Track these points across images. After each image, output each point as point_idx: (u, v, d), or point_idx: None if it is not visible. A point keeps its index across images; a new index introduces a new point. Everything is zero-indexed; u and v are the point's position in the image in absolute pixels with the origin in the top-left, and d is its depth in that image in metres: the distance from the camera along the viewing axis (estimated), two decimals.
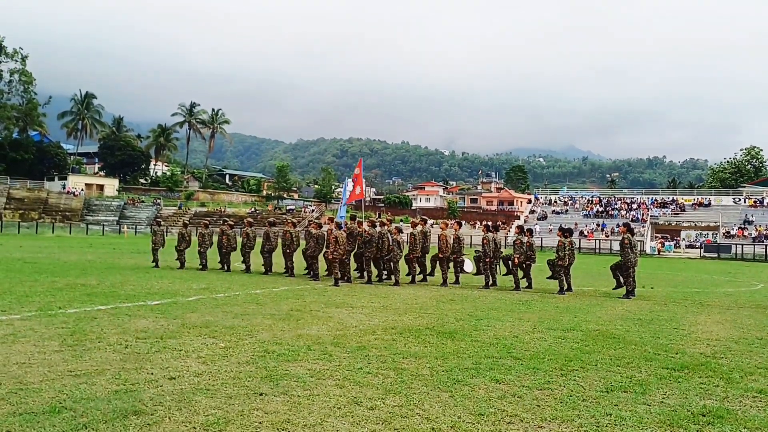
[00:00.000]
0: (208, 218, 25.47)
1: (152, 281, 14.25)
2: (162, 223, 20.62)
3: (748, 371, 6.54)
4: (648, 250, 51.72)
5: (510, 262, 15.37)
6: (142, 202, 72.57)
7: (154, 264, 18.70)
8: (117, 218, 65.59)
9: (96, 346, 6.78)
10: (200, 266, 18.08)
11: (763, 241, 49.59)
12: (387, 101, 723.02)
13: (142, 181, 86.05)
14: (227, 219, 20.76)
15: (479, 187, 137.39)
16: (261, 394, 5.09)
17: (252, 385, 5.37)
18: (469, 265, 16.67)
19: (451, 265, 16.24)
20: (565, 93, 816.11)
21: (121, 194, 74.39)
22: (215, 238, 18.86)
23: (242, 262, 17.95)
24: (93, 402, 4.75)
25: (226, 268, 17.95)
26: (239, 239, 18.56)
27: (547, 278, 15.27)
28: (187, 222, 20.29)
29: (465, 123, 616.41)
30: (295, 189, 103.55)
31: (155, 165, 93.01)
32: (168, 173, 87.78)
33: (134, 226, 60.06)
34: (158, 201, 73.35)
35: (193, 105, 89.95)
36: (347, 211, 25.21)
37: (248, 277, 16.18)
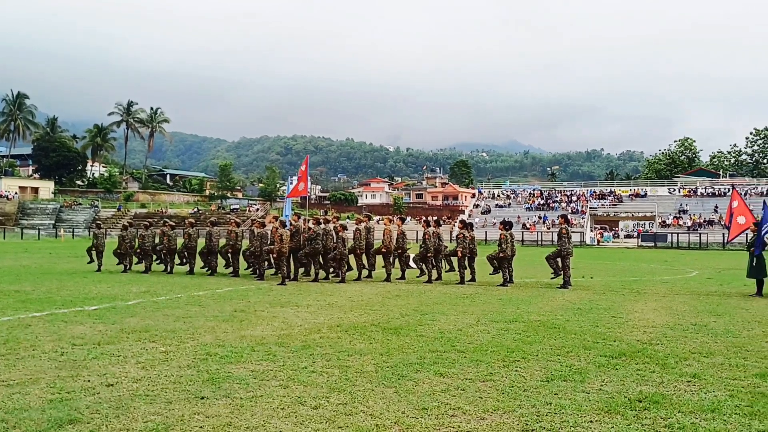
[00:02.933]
0: (149, 219, 24.79)
1: (90, 286, 13.80)
2: (102, 225, 20.06)
3: (682, 356, 6.79)
4: (588, 241, 53.22)
5: (454, 258, 15.55)
6: (80, 204, 70.15)
7: (96, 267, 18.21)
8: (53, 222, 63.14)
9: (30, 354, 6.53)
10: (143, 269, 17.65)
11: (697, 230, 51.70)
12: (331, 97, 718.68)
13: (78, 182, 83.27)
14: (168, 220, 20.26)
15: (424, 182, 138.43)
16: (202, 398, 5.00)
17: (193, 389, 5.27)
18: (415, 261, 16.78)
19: (396, 260, 16.32)
20: (507, 88, 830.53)
21: (57, 197, 71.78)
22: (156, 240, 18.43)
23: (185, 263, 17.60)
24: (26, 412, 4.57)
25: (168, 269, 17.56)
26: (180, 240, 18.18)
27: (491, 274, 15.50)
28: (128, 224, 19.69)
29: (409, 119, 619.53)
30: (239, 188, 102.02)
31: (92, 166, 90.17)
32: (106, 174, 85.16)
33: (71, 230, 58.04)
34: (96, 203, 71.10)
35: (130, 104, 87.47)
36: (292, 209, 24.97)
37: (191, 279, 15.86)
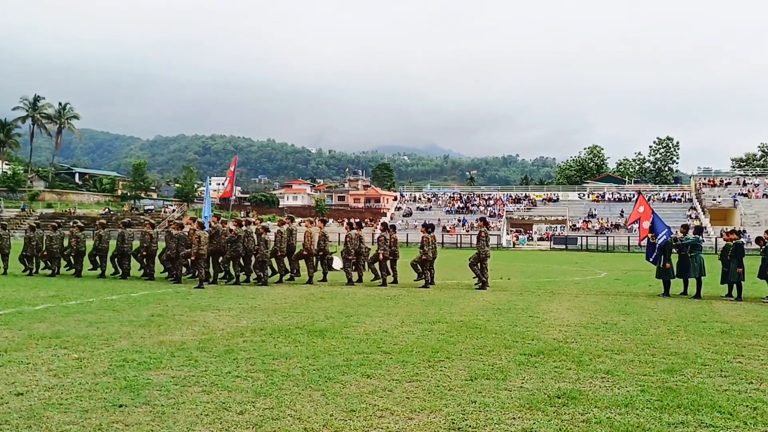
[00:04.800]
0: (57, 220, 23.62)
1: None
2: (6, 226, 18.95)
3: (596, 354, 7.10)
4: (504, 243, 54.76)
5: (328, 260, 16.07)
6: None
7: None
8: None
9: None
10: (50, 272, 16.75)
11: (604, 233, 54.18)
12: (253, 96, 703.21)
13: None
14: (77, 221, 19.33)
15: (347, 184, 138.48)
16: (121, 406, 4.80)
17: (110, 396, 5.05)
18: (338, 263, 16.74)
19: (319, 262, 16.24)
20: (429, 93, 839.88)
21: None
22: (66, 242, 17.53)
23: (95, 268, 16.82)
24: None
25: (76, 273, 16.74)
26: (90, 242, 17.38)
27: (415, 280, 15.32)
28: (35, 225, 18.66)
29: (332, 120, 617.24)
30: (154, 188, 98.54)
31: None
32: (9, 172, 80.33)
33: None
34: None
35: (37, 98, 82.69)
36: (212, 210, 24.35)
37: (102, 283, 15.18)
